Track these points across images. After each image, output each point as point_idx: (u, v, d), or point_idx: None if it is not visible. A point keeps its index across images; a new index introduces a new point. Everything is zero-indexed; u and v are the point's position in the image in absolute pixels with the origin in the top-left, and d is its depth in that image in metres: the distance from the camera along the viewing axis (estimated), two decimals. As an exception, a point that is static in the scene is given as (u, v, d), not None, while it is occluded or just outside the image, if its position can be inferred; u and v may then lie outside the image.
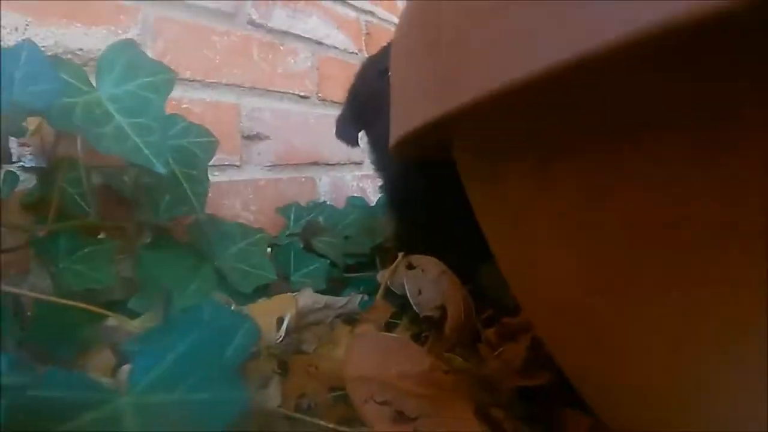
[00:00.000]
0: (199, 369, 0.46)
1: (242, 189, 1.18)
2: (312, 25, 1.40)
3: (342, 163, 1.50)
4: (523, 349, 0.68)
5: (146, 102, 0.71)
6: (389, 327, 0.85)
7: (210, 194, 0.94)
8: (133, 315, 0.70)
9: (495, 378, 0.63)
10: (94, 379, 0.43)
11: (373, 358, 0.68)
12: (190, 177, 0.86)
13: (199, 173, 0.87)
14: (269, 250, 1.01)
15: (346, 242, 1.21)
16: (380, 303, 0.90)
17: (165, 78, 0.74)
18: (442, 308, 0.85)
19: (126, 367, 0.55)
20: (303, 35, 1.37)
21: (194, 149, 0.88)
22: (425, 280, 0.92)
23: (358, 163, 1.58)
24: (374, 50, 1.58)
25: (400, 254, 1.00)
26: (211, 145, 0.90)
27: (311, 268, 1.02)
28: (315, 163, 1.40)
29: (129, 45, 0.74)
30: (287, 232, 1.16)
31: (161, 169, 0.68)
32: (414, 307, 0.90)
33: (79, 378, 0.42)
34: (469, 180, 0.48)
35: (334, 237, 1.20)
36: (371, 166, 1.56)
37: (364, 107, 1.02)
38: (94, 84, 0.71)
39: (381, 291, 0.96)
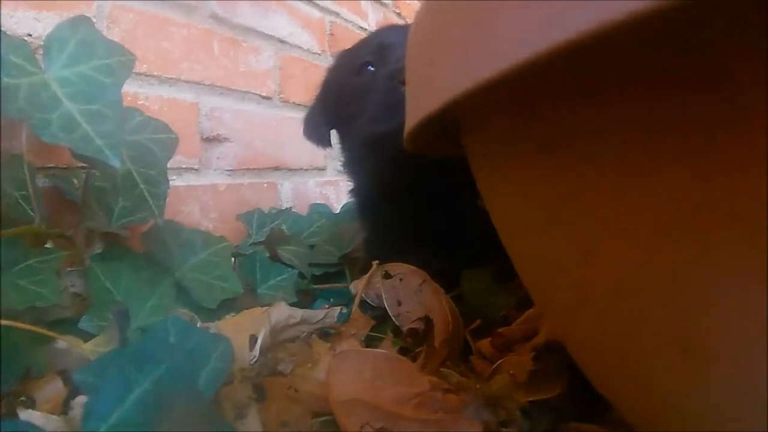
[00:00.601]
0: (168, 408, 0.38)
1: (201, 194, 1.10)
2: (276, 22, 1.33)
3: (305, 168, 1.43)
4: (528, 360, 0.63)
5: (100, 86, 0.62)
6: (370, 341, 0.78)
7: (168, 200, 0.87)
8: (86, 336, 0.61)
9: (501, 394, 0.57)
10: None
11: (361, 378, 0.61)
12: (147, 178, 0.77)
13: (158, 174, 0.79)
14: (233, 260, 0.93)
15: (312, 251, 1.13)
16: (358, 315, 0.84)
17: (122, 60, 0.66)
18: (427, 320, 0.79)
19: (80, 400, 0.46)
20: (266, 33, 1.30)
21: (152, 146, 0.79)
22: (405, 291, 0.86)
23: (321, 169, 1.51)
24: (337, 51, 1.52)
25: (374, 263, 0.94)
26: (171, 143, 0.82)
27: (279, 279, 0.94)
28: (277, 168, 1.32)
29: (83, 22, 0.65)
30: (250, 241, 1.07)
31: (116, 163, 0.59)
32: (394, 320, 0.84)
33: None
34: (493, 170, 0.44)
35: (299, 246, 1.12)
36: (338, 171, 1.50)
37: (339, 103, 0.96)
38: (42, 66, 0.62)
39: (357, 303, 0.89)
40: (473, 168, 0.50)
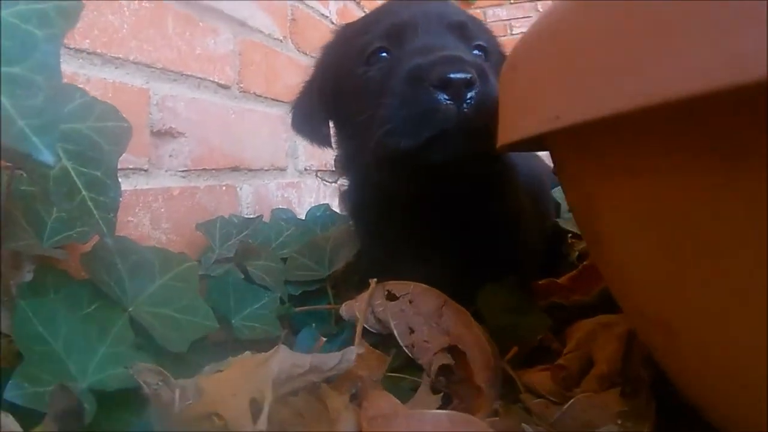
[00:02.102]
0: None
1: (151, 200, 0.91)
2: (236, 3, 1.16)
3: (265, 168, 1.25)
4: (616, 399, 0.50)
5: (26, 40, 0.42)
6: (392, 385, 0.62)
7: None
8: (17, 410, 0.41)
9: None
10: None
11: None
12: (92, 181, 0.58)
13: (106, 175, 0.59)
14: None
15: (286, 265, 0.95)
16: (368, 351, 0.67)
17: (64, 6, 0.46)
18: (453, 351, 0.65)
19: None
20: (225, 12, 1.12)
21: (98, 138, 0.60)
22: (418, 315, 0.71)
23: (282, 170, 1.33)
24: (299, 38, 1.36)
25: (373, 281, 0.77)
26: (122, 134, 0.62)
27: (257, 306, 0.76)
28: (236, 169, 1.14)
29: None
30: (213, 256, 0.88)
31: (48, 159, 0.40)
32: (406, 351, 0.69)
33: None
34: (607, 179, 0.40)
35: (270, 260, 0.94)
36: (299, 172, 1.33)
37: (341, 96, 0.79)
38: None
39: (359, 332, 0.73)
40: (572, 179, 0.46)
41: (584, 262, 0.92)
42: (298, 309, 0.88)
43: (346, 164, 0.86)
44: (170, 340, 0.60)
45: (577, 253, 1.12)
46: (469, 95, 0.61)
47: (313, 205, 1.40)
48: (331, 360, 0.57)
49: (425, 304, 0.73)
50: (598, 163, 0.39)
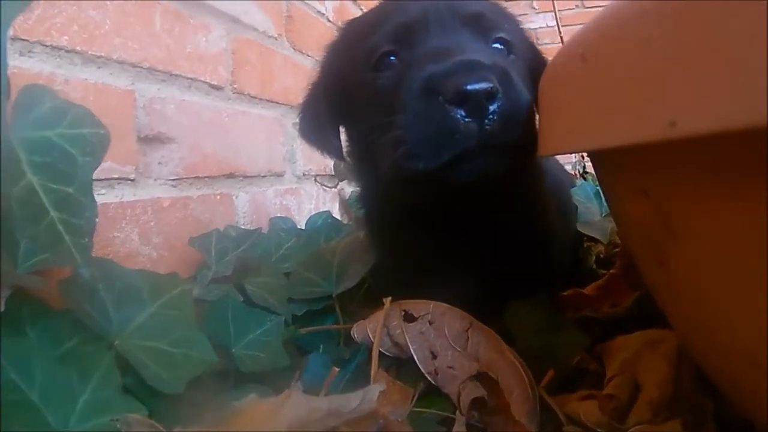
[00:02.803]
0: None
1: (140, 213, 0.84)
2: None
3: (262, 175, 1.18)
4: (678, 428, 0.44)
5: None
6: (418, 417, 0.55)
7: None
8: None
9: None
10: None
11: None
12: (62, 200, 0.50)
13: (79, 192, 0.51)
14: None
15: (289, 281, 0.87)
16: (389, 383, 0.60)
17: None
18: (482, 379, 0.60)
19: None
20: (217, 8, 1.05)
21: (70, 148, 0.52)
22: (441, 338, 0.65)
23: (279, 175, 1.26)
24: (296, 37, 1.28)
25: (387, 300, 0.69)
26: (99, 142, 0.54)
27: (260, 332, 0.68)
28: (231, 176, 1.07)
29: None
30: (209, 274, 0.80)
31: None
32: (429, 378, 0.63)
33: None
34: (702, 201, 0.33)
35: (272, 276, 0.87)
36: (297, 177, 1.27)
37: (350, 104, 0.72)
38: None
39: (375, 359, 0.65)
40: (639, 193, 0.39)
41: (611, 270, 0.86)
42: (304, 330, 0.80)
43: (358, 172, 0.78)
44: (163, 380, 0.52)
45: (594, 257, 1.06)
46: (491, 108, 0.54)
47: (312, 212, 1.33)
48: (351, 401, 0.49)
49: (449, 326, 0.66)
50: (693, 183, 0.32)
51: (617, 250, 1.03)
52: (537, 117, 0.54)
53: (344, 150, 0.77)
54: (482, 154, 0.55)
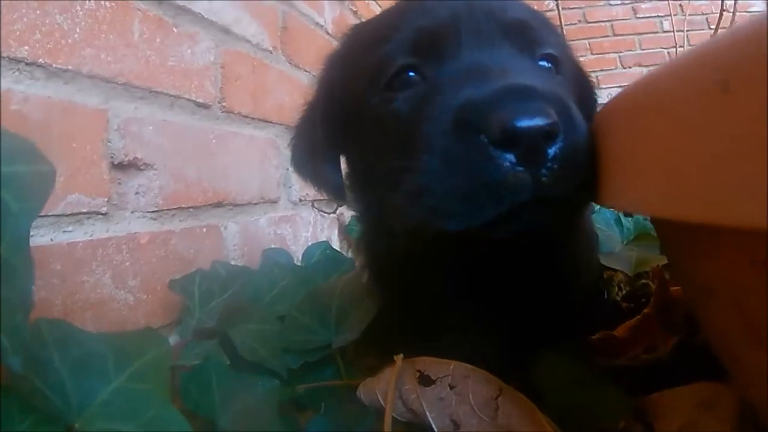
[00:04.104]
0: None
1: (113, 252, 0.75)
2: (218, 5, 1.01)
3: (254, 202, 1.09)
4: None
5: None
6: None
7: (58, 266, 0.66)
8: None
9: None
10: None
11: None
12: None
13: (13, 251, 0.39)
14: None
15: (283, 327, 0.78)
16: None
17: None
18: None
19: None
20: (205, 16, 0.97)
21: (3, 192, 0.41)
22: (464, 405, 0.57)
23: (273, 202, 1.18)
24: (292, 50, 1.21)
25: (399, 357, 0.61)
26: (41, 183, 0.43)
27: (250, 401, 0.58)
28: (219, 205, 0.99)
29: None
30: (194, 322, 0.70)
31: None
32: None
33: None
34: None
35: (264, 322, 0.78)
36: (293, 203, 1.19)
37: (355, 131, 0.62)
38: None
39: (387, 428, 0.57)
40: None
41: (644, 310, 0.79)
42: (301, 387, 0.71)
43: (362, 211, 0.69)
44: (130, 477, 0.42)
45: (615, 288, 0.99)
46: (550, 153, 0.44)
47: (309, 240, 1.25)
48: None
49: (473, 392, 0.59)
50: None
51: (643, 281, 0.96)
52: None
53: (345, 183, 0.67)
54: (533, 209, 0.45)
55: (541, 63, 0.56)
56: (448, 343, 0.60)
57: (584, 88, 0.67)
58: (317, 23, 1.44)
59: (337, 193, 0.66)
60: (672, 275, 0.76)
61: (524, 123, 0.42)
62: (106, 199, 0.74)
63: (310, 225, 1.33)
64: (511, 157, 0.43)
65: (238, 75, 1.06)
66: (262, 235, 1.11)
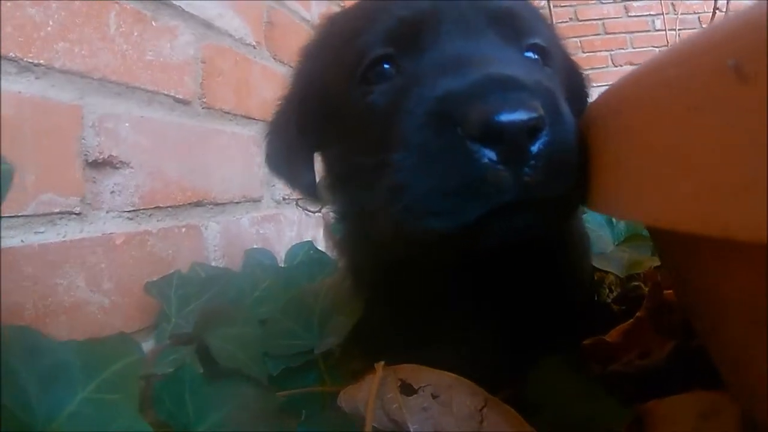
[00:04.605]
0: None
1: (87, 253, 0.74)
2: None
3: (236, 201, 1.08)
4: None
5: None
6: None
7: (30, 269, 0.64)
8: None
9: None
10: None
11: None
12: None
13: None
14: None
15: (265, 331, 0.77)
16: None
17: None
18: None
19: None
20: (186, 10, 0.95)
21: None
22: (447, 416, 0.55)
23: (256, 201, 1.16)
24: (276, 45, 1.20)
25: (380, 365, 0.59)
26: None
27: (226, 411, 0.57)
28: (199, 204, 0.98)
29: None
30: (170, 327, 0.69)
31: None
32: None
33: None
34: None
35: (245, 325, 0.76)
36: (277, 202, 1.17)
37: (329, 127, 0.60)
38: None
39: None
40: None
41: (637, 314, 0.78)
42: (281, 394, 0.70)
43: (342, 211, 0.67)
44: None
45: (606, 290, 0.99)
46: (534, 150, 0.41)
47: (294, 240, 1.24)
48: None
49: (457, 403, 0.56)
50: None
51: (635, 284, 0.96)
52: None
53: (321, 182, 0.65)
54: (518, 211, 0.42)
55: (527, 54, 0.54)
56: (434, 350, 0.58)
57: (575, 82, 0.64)
58: (303, 18, 1.43)
59: (310, 193, 0.63)
60: (668, 279, 0.75)
61: (505, 117, 0.39)
62: (80, 199, 0.73)
63: (294, 224, 1.31)
64: (491, 153, 0.40)
65: (221, 70, 1.05)
66: (244, 235, 1.10)
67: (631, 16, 3.84)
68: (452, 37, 0.50)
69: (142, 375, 0.53)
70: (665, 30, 2.98)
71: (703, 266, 0.38)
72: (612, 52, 3.78)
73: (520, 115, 0.39)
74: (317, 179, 0.64)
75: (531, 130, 0.40)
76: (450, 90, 0.44)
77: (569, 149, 0.43)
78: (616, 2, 3.84)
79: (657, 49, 3.70)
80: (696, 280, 0.42)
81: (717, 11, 2.27)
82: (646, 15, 3.79)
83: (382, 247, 0.57)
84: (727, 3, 2.24)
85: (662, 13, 3.08)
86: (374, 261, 0.65)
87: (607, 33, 3.81)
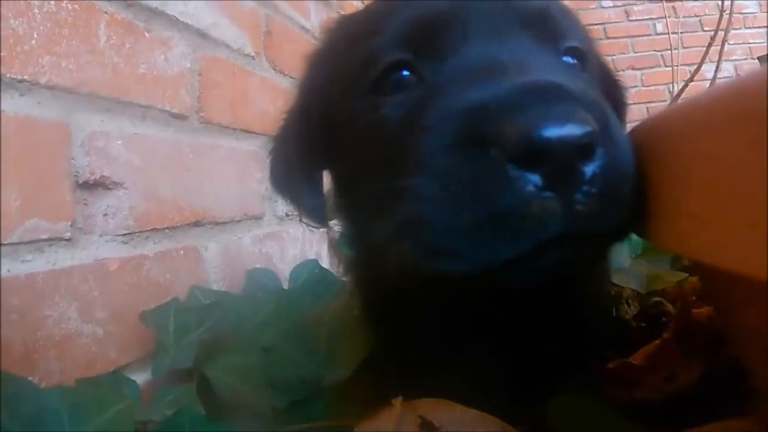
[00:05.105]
0: None
1: (78, 282, 0.70)
2: (195, 7, 0.96)
3: (236, 219, 1.04)
4: None
5: None
6: None
7: (17, 300, 0.61)
8: None
9: None
10: None
11: None
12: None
13: None
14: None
15: (268, 360, 0.73)
16: None
17: None
18: None
19: None
20: (181, 19, 0.92)
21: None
22: None
23: (258, 218, 1.14)
24: (275, 55, 1.17)
25: (397, 401, 0.54)
26: None
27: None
28: (197, 224, 0.94)
29: None
30: (168, 360, 0.65)
31: None
32: None
33: None
34: None
35: (246, 355, 0.73)
36: (279, 219, 1.14)
37: (337, 141, 0.55)
38: None
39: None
40: None
41: (664, 334, 0.74)
42: (287, 430, 0.66)
43: (350, 236, 0.62)
44: None
45: (625, 306, 0.95)
46: (588, 174, 0.35)
47: (298, 257, 1.21)
48: None
49: None
50: None
51: (656, 299, 0.92)
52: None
53: (331, 202, 0.60)
54: (560, 246, 0.36)
55: (564, 59, 0.49)
56: (448, 381, 0.54)
57: (613, 90, 0.60)
58: (303, 27, 1.41)
59: (314, 216, 0.59)
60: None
61: (554, 132, 0.33)
62: (69, 223, 0.69)
63: (298, 241, 1.28)
64: (535, 178, 0.34)
65: (217, 82, 1.02)
66: (245, 255, 1.07)
67: (632, 20, 3.83)
68: (481, 39, 0.44)
69: (138, 421, 0.49)
70: (668, 33, 2.96)
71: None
72: (614, 57, 3.77)
73: (571, 130, 0.33)
74: (325, 201, 0.59)
75: (583, 149, 0.34)
76: (482, 101, 0.37)
77: (626, 173, 0.37)
78: (617, 6, 3.84)
79: (659, 53, 3.70)
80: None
81: (724, 14, 2.24)
82: (647, 19, 3.79)
83: (391, 281, 0.50)
84: (731, 4, 2.22)
85: (665, 17, 3.05)
86: (383, 293, 0.60)
87: (608, 37, 3.79)
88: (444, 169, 0.38)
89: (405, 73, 0.46)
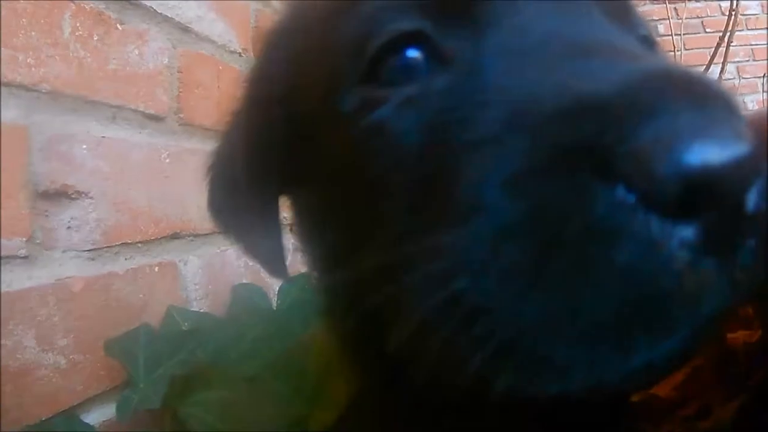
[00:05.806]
0: None
1: (36, 305, 0.65)
2: None
3: (219, 231, 0.96)
4: None
5: None
6: None
7: None
8: None
9: None
10: None
11: None
12: None
13: None
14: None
15: (250, 393, 0.68)
16: None
17: None
18: None
19: None
20: (158, 11, 0.86)
21: None
22: None
23: None
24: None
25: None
26: None
27: None
28: (175, 236, 0.89)
29: None
30: (135, 399, 0.58)
31: None
32: None
33: None
34: None
35: (226, 386, 0.68)
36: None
37: (303, 138, 0.39)
38: None
39: None
40: None
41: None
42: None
43: (327, 288, 0.45)
44: None
45: None
46: (751, 212, 0.22)
47: (288, 270, 1.13)
48: None
49: None
50: None
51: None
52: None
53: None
54: (697, 330, 0.24)
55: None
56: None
57: None
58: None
59: (268, 262, 0.46)
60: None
61: (721, 156, 0.21)
62: (25, 239, 0.63)
63: (288, 252, 1.21)
64: (688, 233, 0.21)
65: (200, 81, 0.96)
66: (230, 269, 1.01)
67: (633, 22, 3.82)
68: (536, 6, 0.30)
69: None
70: (671, 35, 2.92)
71: None
72: (616, 59, 3.75)
73: (738, 150, 0.21)
74: (283, 243, 0.45)
75: (750, 181, 0.22)
76: (596, 98, 0.23)
77: None
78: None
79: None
80: None
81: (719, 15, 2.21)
82: (649, 20, 3.77)
83: (412, 379, 0.31)
84: (737, 5, 2.19)
85: (668, 18, 3.02)
86: (383, 381, 0.41)
87: (610, 39, 3.78)
88: (530, 220, 0.24)
89: (413, 53, 0.31)
